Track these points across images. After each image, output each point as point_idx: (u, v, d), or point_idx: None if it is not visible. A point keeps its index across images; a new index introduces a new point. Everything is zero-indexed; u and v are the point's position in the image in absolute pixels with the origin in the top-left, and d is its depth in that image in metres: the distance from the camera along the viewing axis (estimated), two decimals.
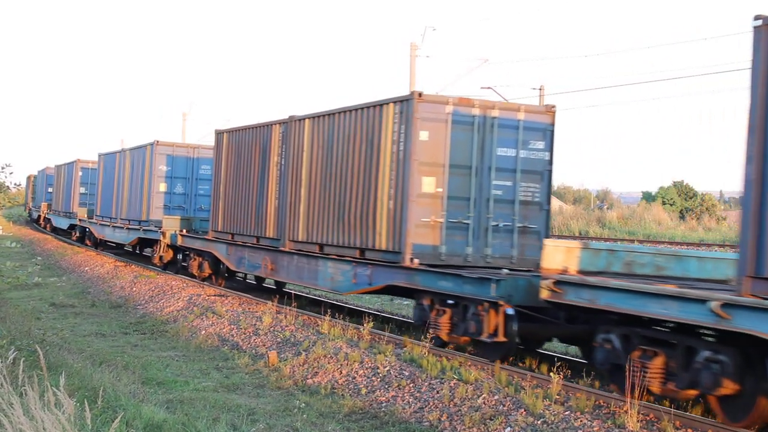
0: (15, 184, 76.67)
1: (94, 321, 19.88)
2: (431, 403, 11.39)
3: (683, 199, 61.14)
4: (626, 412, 9.95)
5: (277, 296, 20.39)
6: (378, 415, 11.31)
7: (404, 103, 15.35)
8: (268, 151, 20.96)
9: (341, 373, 13.27)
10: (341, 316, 17.44)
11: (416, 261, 14.95)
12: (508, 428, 10.09)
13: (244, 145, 22.53)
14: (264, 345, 15.84)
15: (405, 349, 14.29)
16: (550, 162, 15.95)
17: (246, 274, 24.96)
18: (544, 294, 11.93)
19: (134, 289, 24.78)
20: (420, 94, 15.20)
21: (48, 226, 55.35)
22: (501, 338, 13.19)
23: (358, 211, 16.66)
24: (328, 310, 17.83)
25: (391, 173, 15.63)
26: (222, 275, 24.35)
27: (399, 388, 12.16)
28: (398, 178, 15.43)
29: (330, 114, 18.07)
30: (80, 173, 44.91)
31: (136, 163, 31.99)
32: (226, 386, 12.85)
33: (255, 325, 17.27)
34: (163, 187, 29.91)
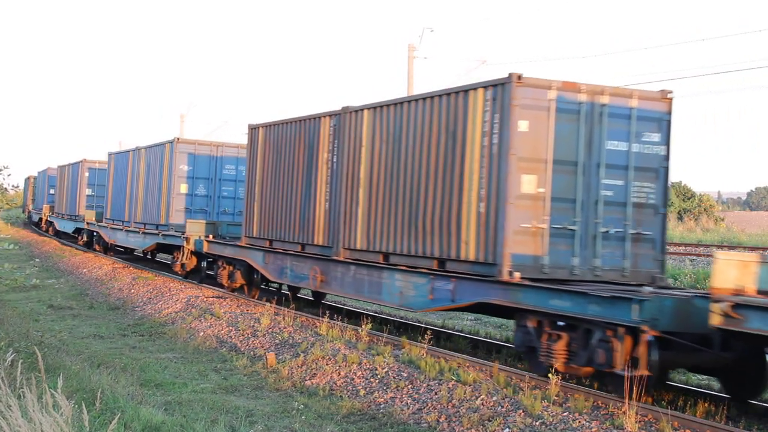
0: (13, 186, 76.36)
1: (93, 323, 19.87)
2: (429, 404, 11.40)
3: (681, 200, 61.21)
4: (624, 413, 9.95)
5: (275, 298, 20.36)
6: (376, 416, 11.31)
7: (498, 87, 13.10)
8: (315, 148, 18.43)
9: (339, 374, 13.27)
10: (339, 317, 17.41)
11: (517, 275, 12.65)
12: (507, 429, 10.10)
13: (285, 141, 19.89)
14: (262, 346, 15.84)
15: (403, 350, 14.29)
16: (667, 157, 13.70)
17: (282, 285, 22.43)
18: (716, 320, 9.90)
19: (132, 290, 24.78)
20: (519, 77, 12.87)
21: (51, 229, 53.04)
22: (643, 371, 10.84)
23: (436, 215, 14.36)
24: (327, 312, 17.81)
25: (481, 170, 13.39)
26: (257, 285, 22.05)
27: (397, 390, 12.16)
28: (491, 177, 13.19)
29: (397, 103, 15.79)
30: (87, 174, 42.72)
31: (153, 163, 29.65)
32: (224, 388, 12.85)
33: (253, 326, 17.26)
34: (184, 188, 27.52)
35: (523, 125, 12.86)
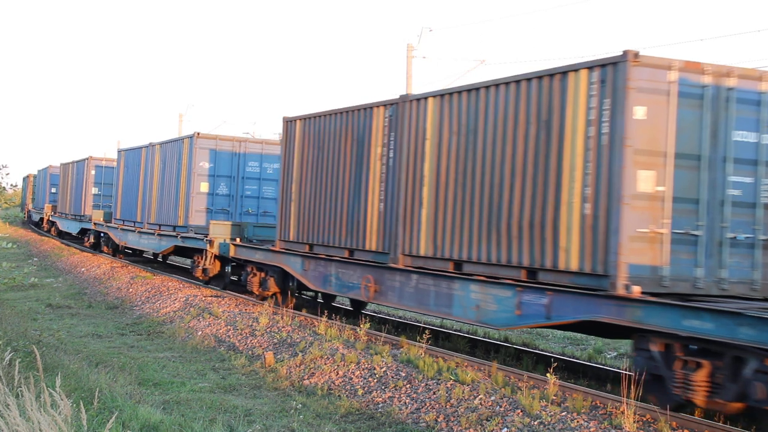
0: (11, 184, 75.84)
1: (91, 322, 19.86)
2: (428, 404, 11.39)
3: None
4: (623, 412, 9.95)
5: (273, 297, 20.36)
6: (374, 415, 11.31)
7: (609, 68, 11.26)
8: (366, 142, 16.44)
9: (338, 373, 13.27)
10: (338, 317, 17.42)
11: (637, 288, 10.71)
12: (505, 429, 10.10)
13: (328, 135, 17.88)
14: (261, 346, 15.84)
15: (402, 349, 14.29)
16: None
17: (317, 293, 21.09)
18: None
19: (131, 289, 24.77)
20: (636, 55, 11.01)
21: (53, 229, 50.39)
22: None
23: (525, 217, 12.44)
24: (325, 311, 17.82)
25: (585, 165, 11.50)
26: (292, 294, 20.04)
27: (395, 389, 12.16)
28: (599, 173, 11.30)
29: (471, 89, 13.78)
30: (93, 172, 40.51)
31: (170, 160, 27.62)
32: (222, 387, 12.85)
33: (252, 326, 17.26)
34: (204, 187, 25.53)
35: (639, 112, 11.07)
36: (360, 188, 16.61)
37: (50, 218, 50.97)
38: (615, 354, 17.23)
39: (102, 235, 36.48)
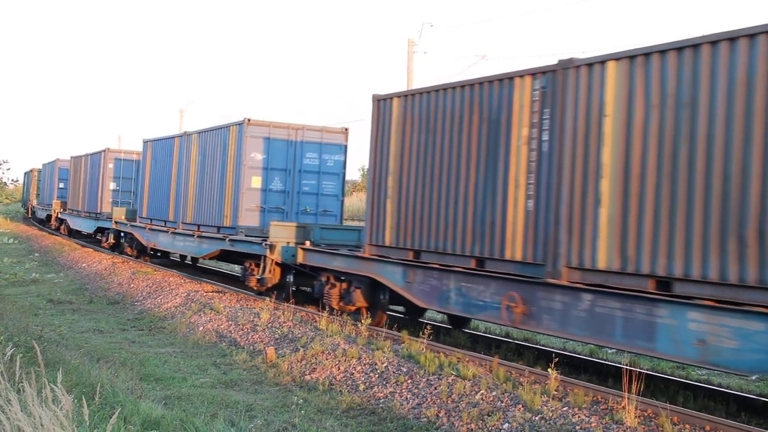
0: (13, 180, 75.39)
1: (92, 317, 19.87)
2: (429, 399, 11.40)
3: None
4: (624, 407, 9.96)
5: (275, 293, 20.36)
6: (376, 411, 11.31)
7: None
8: (504, 122, 13.21)
9: (339, 369, 13.28)
10: (339, 312, 17.40)
11: None
12: (506, 424, 10.10)
13: (443, 115, 14.56)
14: (262, 341, 15.84)
15: (403, 345, 14.29)
16: None
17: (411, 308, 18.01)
18: None
19: (132, 285, 24.78)
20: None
21: (63, 227, 46.65)
22: None
23: None
24: (326, 306, 17.80)
25: None
26: (384, 309, 16.87)
27: (397, 384, 12.16)
28: None
29: (683, 47, 10.46)
30: (111, 165, 36.88)
31: (212, 150, 24.28)
32: (224, 382, 12.85)
33: (253, 321, 17.27)
34: (256, 182, 22.17)
35: None
36: (495, 180, 13.36)
37: (59, 215, 47.72)
38: (615, 350, 17.22)
39: (124, 235, 33.28)
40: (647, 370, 13.47)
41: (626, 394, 10.19)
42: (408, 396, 11.70)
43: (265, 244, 19.41)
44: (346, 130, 23.20)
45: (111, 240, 34.57)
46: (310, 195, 22.80)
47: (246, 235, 21.21)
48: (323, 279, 18.07)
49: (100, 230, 37.18)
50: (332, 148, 22.95)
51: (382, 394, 11.96)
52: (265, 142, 22.21)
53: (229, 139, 22.86)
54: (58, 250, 38.37)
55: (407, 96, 15.69)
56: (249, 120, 21.91)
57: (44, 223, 56.07)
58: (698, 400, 11.15)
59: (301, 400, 11.55)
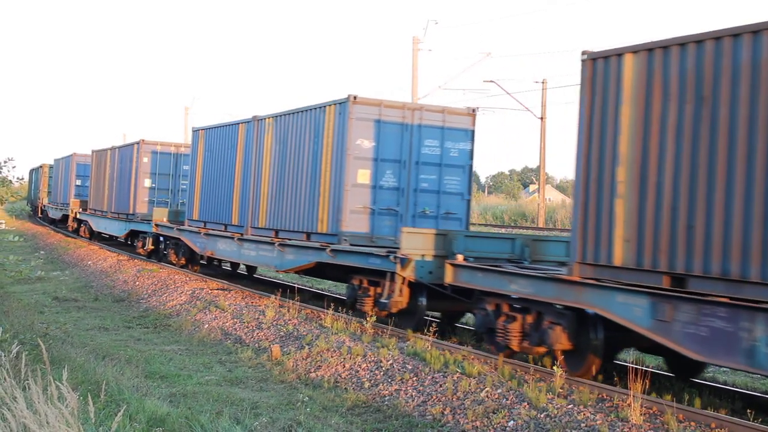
0: (18, 178, 74.81)
1: (97, 315, 19.90)
2: (434, 397, 11.39)
3: None
4: (629, 405, 9.94)
5: (280, 290, 20.33)
6: (381, 408, 11.31)
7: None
8: None
9: (344, 366, 13.28)
10: (344, 309, 17.41)
11: None
12: (511, 422, 10.09)
13: (728, 80, 9.66)
14: (267, 339, 15.85)
15: (408, 342, 14.28)
16: None
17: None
18: None
19: (137, 282, 24.80)
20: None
21: (83, 229, 41.62)
22: None
23: None
24: (332, 304, 17.81)
25: None
26: (596, 352, 11.95)
27: (402, 382, 12.16)
28: None
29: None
30: (146, 159, 31.86)
31: (296, 137, 19.51)
32: (229, 380, 12.86)
33: (258, 318, 17.27)
34: (364, 176, 17.53)
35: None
36: None
37: (78, 216, 42.62)
38: None
39: (165, 240, 28.39)
40: (653, 368, 13.44)
41: (632, 391, 10.17)
42: (413, 393, 11.70)
43: (395, 257, 15.04)
44: (473, 111, 18.64)
45: (149, 246, 29.66)
46: (429, 193, 18.17)
47: (351, 244, 16.99)
48: (489, 308, 13.40)
49: (134, 234, 32.90)
50: (456, 133, 18.19)
51: (387, 392, 11.96)
52: (375, 126, 17.50)
53: (325, 122, 18.08)
54: (63, 248, 38.42)
55: (653, 50, 10.72)
56: (355, 97, 17.21)
57: (56, 223, 52.44)
58: (704, 398, 11.13)
59: (307, 398, 11.55)
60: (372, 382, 12.45)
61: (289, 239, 19.38)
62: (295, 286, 22.17)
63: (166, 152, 32.08)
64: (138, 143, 32.13)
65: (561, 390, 10.99)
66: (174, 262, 27.11)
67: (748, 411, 10.68)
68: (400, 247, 15.00)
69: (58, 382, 7.34)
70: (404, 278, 15.06)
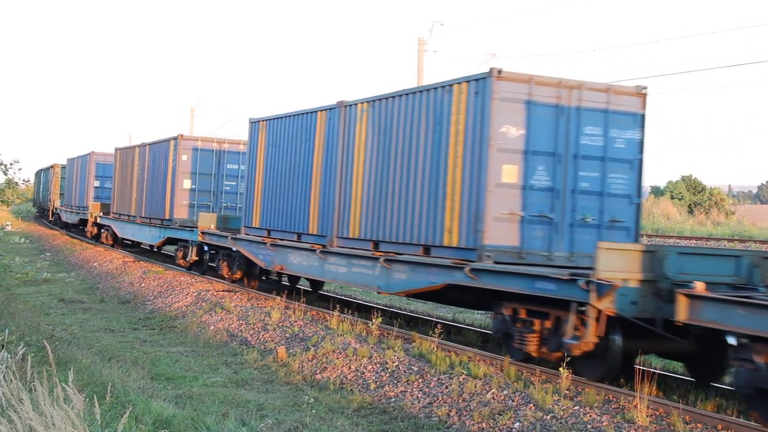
0: (24, 180, 74.38)
1: (103, 317, 19.92)
2: (440, 398, 11.38)
3: (692, 194, 60.96)
4: (635, 406, 9.92)
5: (285, 292, 20.32)
6: (387, 410, 11.30)
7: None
8: None
9: (350, 368, 13.27)
10: (350, 311, 17.40)
11: None
12: (517, 423, 10.08)
13: None
14: (273, 340, 15.85)
15: (414, 344, 14.27)
16: None
17: None
18: None
19: (143, 284, 24.82)
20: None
21: (106, 235, 37.83)
22: None
23: None
24: (337, 306, 17.80)
25: None
26: None
27: (408, 384, 12.15)
28: None
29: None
30: (185, 157, 27.53)
31: (402, 127, 15.62)
32: (235, 381, 12.86)
33: (264, 320, 17.28)
34: (511, 173, 13.58)
35: None
36: None
37: (98, 220, 38.85)
38: None
39: (212, 250, 24.84)
40: (659, 369, 13.41)
41: (638, 393, 10.15)
42: (419, 395, 11.69)
43: (588, 283, 11.22)
44: (643, 90, 14.57)
45: (192, 256, 25.82)
46: (590, 195, 14.11)
47: (496, 262, 13.32)
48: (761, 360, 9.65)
49: (171, 242, 28.95)
50: (623, 119, 14.32)
51: (393, 393, 11.95)
52: (525, 109, 13.66)
53: (453, 105, 14.28)
54: (69, 250, 38.47)
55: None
56: (500, 71, 13.46)
57: (69, 227, 48.82)
58: (710, 399, 11.10)
59: (312, 399, 11.55)
60: (378, 383, 12.44)
61: (398, 253, 15.46)
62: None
63: (208, 149, 27.97)
64: (176, 139, 27.89)
65: (567, 391, 10.97)
66: (226, 276, 23.28)
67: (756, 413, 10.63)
68: (596, 268, 11.19)
69: (64, 383, 7.35)
70: (599, 311, 11.21)
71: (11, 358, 9.35)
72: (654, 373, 11.21)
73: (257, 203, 21.41)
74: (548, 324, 12.39)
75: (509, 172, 13.60)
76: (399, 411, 11.20)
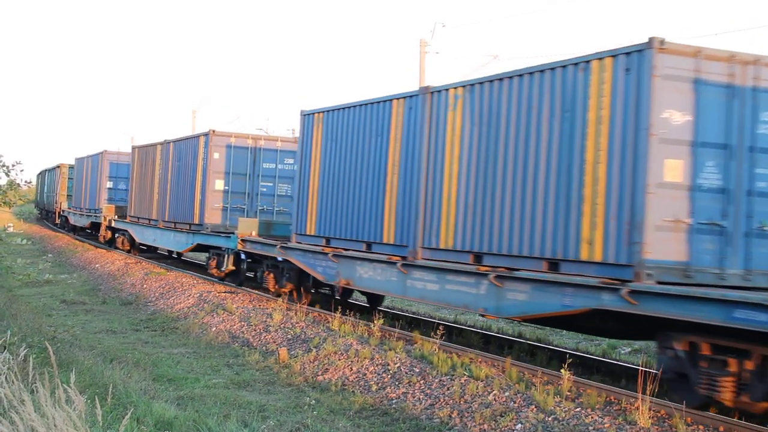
0: (26, 181, 74.19)
1: (105, 318, 19.93)
2: (442, 400, 11.38)
3: None
4: (637, 408, 9.92)
5: (287, 293, 20.32)
6: (388, 411, 11.30)
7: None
8: None
9: (352, 369, 13.27)
10: (351, 312, 17.39)
11: None
12: (519, 425, 10.07)
13: None
14: (274, 342, 15.86)
15: (415, 345, 14.27)
16: None
17: None
18: None
19: (145, 286, 24.84)
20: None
21: (123, 240, 34.94)
22: None
23: None
24: (339, 307, 17.80)
25: None
26: None
27: (409, 385, 12.15)
28: None
29: None
30: (217, 155, 24.95)
31: (515, 115, 13.02)
32: (236, 383, 12.87)
33: (265, 321, 17.28)
34: (675, 170, 10.90)
35: None
36: None
37: (113, 223, 36.04)
38: (629, 350, 17.16)
39: (251, 259, 22.26)
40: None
41: (640, 395, 10.14)
42: (421, 396, 11.69)
43: None
44: None
45: (229, 265, 22.93)
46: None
47: (659, 282, 10.67)
48: None
49: (203, 249, 25.81)
50: None
51: (394, 395, 11.95)
52: (692, 90, 11.07)
53: (590, 87, 11.77)
54: (71, 251, 38.50)
55: None
56: (662, 41, 10.89)
57: (77, 231, 46.46)
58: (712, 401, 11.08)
59: (314, 401, 11.55)
60: (379, 385, 12.44)
61: (511, 268, 12.82)
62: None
63: (242, 146, 25.11)
64: (207, 134, 25.09)
65: (569, 393, 10.97)
66: (272, 289, 20.71)
67: (758, 416, 10.63)
68: None
69: (65, 385, 7.35)
70: None
71: (13, 359, 9.36)
72: (656, 374, 11.19)
73: (312, 208, 18.67)
74: (749, 365, 9.82)
75: (673, 169, 10.96)
76: (401, 412, 11.19)
